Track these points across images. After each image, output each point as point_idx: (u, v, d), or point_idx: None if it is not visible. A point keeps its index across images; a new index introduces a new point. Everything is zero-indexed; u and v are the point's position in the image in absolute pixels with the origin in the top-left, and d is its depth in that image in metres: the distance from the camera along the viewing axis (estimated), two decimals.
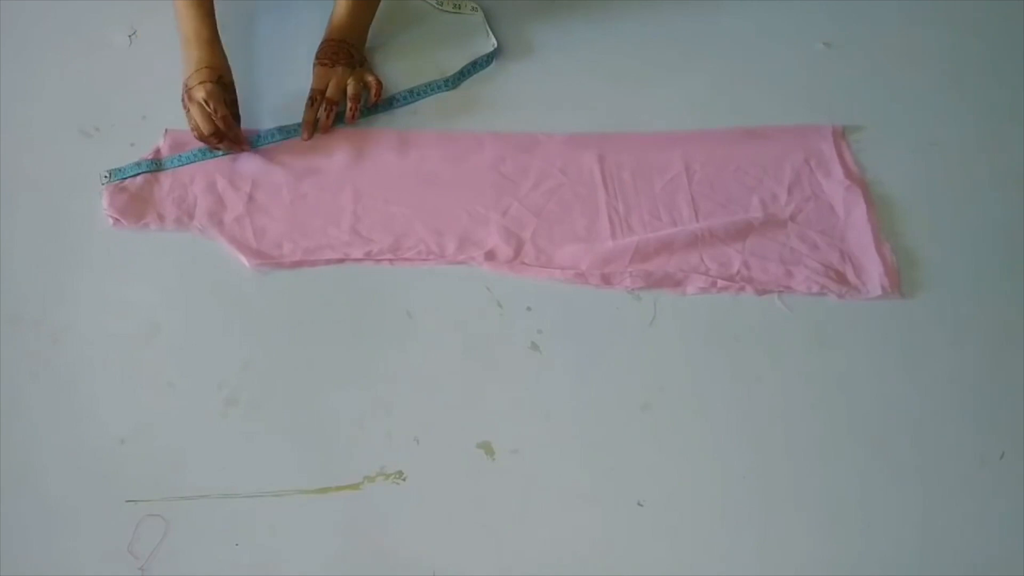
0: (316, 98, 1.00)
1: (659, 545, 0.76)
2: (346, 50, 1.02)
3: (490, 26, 1.12)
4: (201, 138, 0.94)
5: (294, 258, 0.90)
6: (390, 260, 0.91)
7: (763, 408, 0.83)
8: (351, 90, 1.00)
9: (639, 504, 0.77)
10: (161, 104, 1.01)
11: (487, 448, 0.80)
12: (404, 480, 0.78)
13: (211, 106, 0.92)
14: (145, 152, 0.97)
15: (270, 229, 0.93)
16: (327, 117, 0.99)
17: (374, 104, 1.02)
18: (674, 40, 1.13)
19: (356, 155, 0.99)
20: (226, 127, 0.93)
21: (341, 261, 0.91)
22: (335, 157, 0.99)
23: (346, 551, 0.74)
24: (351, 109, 1.00)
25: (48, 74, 1.05)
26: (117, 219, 0.92)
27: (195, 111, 0.93)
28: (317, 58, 1.02)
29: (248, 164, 0.97)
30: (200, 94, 0.92)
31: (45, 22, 1.10)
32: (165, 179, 0.95)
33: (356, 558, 0.74)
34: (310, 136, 0.99)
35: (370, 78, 1.02)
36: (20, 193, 0.94)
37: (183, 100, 0.94)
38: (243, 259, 0.90)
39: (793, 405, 0.83)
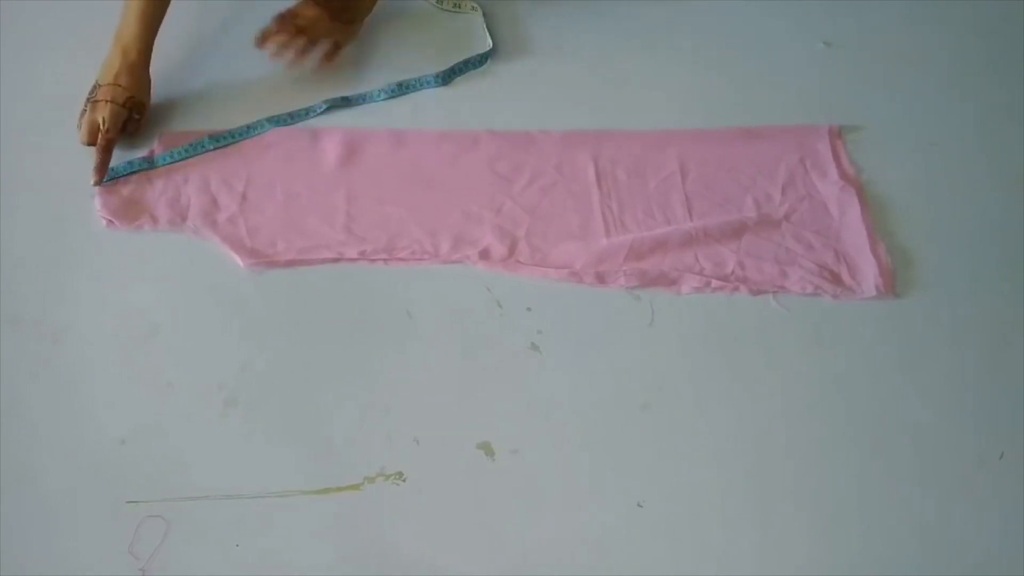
0: (288, 19, 0.99)
1: (659, 545, 0.76)
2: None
3: (488, 24, 1.12)
4: (80, 141, 0.95)
5: (288, 256, 0.90)
6: (384, 260, 0.91)
7: (762, 408, 0.83)
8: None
9: (639, 505, 0.77)
10: (161, 104, 1.02)
11: (487, 448, 0.80)
12: (404, 480, 0.78)
13: (105, 126, 0.93)
14: (141, 154, 0.97)
15: (264, 228, 0.93)
16: (301, 52, 0.99)
17: (327, 61, 1.01)
18: (674, 39, 1.13)
19: (350, 154, 0.99)
20: (101, 149, 0.93)
21: (336, 260, 0.91)
22: (329, 156, 0.99)
23: (346, 551, 0.74)
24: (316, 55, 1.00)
25: (48, 74, 1.05)
26: (111, 221, 0.92)
27: (87, 119, 0.94)
28: None
29: (242, 162, 0.97)
30: (104, 111, 0.93)
31: (45, 22, 1.10)
32: (158, 180, 0.95)
33: (356, 558, 0.74)
34: (262, 45, 0.99)
35: (338, 38, 1.02)
36: (20, 193, 0.94)
37: (87, 98, 0.95)
38: (237, 258, 0.90)
39: (792, 405, 0.83)
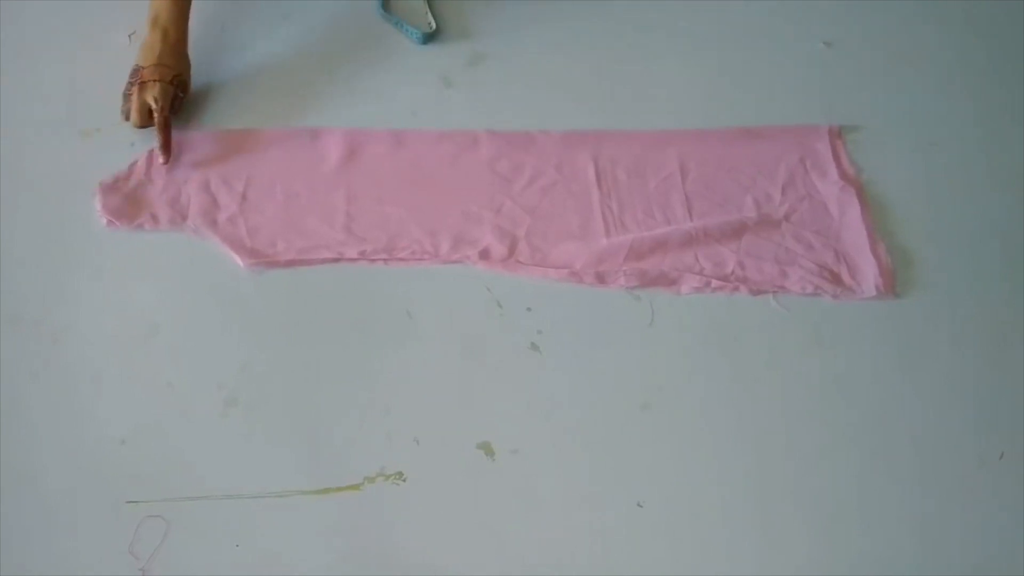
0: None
1: (659, 545, 0.76)
2: None
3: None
4: (133, 124, 0.97)
5: (288, 256, 0.90)
6: (384, 260, 0.91)
7: (762, 408, 0.83)
8: None
9: (639, 505, 0.77)
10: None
11: (487, 448, 0.80)
12: (404, 480, 0.78)
13: (159, 104, 0.95)
14: (141, 153, 0.97)
15: (264, 228, 0.93)
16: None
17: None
18: (673, 39, 1.13)
19: (350, 154, 0.99)
20: (162, 128, 0.95)
21: (336, 260, 0.91)
22: (329, 156, 0.99)
23: (346, 551, 0.74)
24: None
25: (48, 74, 1.05)
26: (111, 220, 0.92)
27: (137, 101, 0.96)
28: None
29: (242, 162, 0.97)
30: (153, 91, 0.95)
31: (45, 22, 1.10)
32: (158, 179, 0.95)
33: (356, 558, 0.74)
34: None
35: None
36: (20, 193, 0.94)
37: (130, 82, 0.97)
38: (237, 258, 0.90)
39: (792, 405, 0.83)
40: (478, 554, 0.75)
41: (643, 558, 0.75)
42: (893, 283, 0.91)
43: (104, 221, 0.92)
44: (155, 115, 0.95)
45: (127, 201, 0.93)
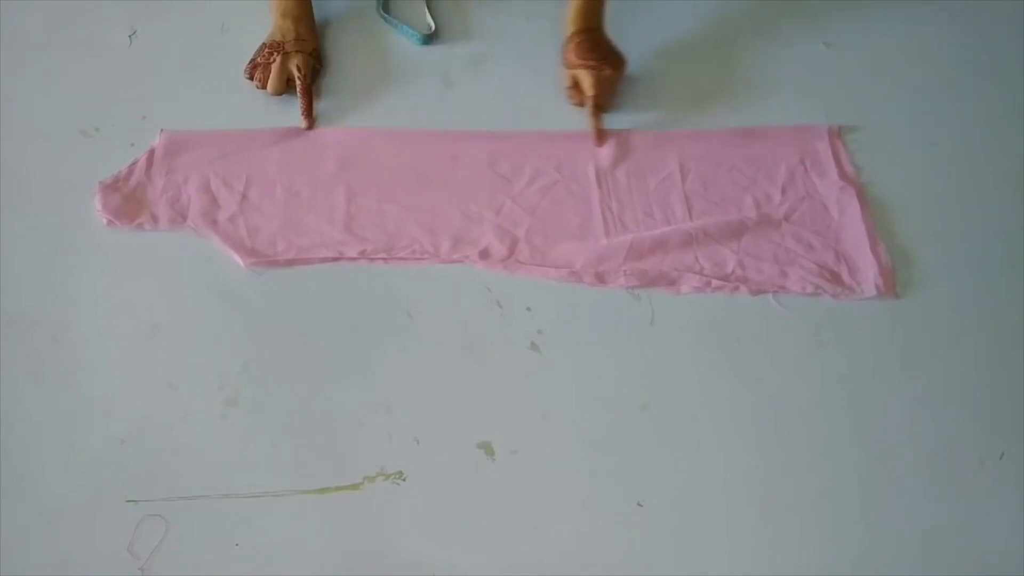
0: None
1: (659, 545, 0.76)
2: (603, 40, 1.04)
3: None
4: (271, 91, 1.02)
5: (288, 256, 0.90)
6: (384, 259, 0.91)
7: (763, 408, 0.83)
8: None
9: (639, 504, 0.77)
10: (161, 104, 1.02)
11: (487, 448, 0.80)
12: (404, 480, 0.78)
13: (301, 72, 1.01)
14: (142, 153, 0.97)
15: (264, 228, 0.93)
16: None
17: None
18: (673, 39, 1.13)
19: (350, 154, 0.99)
20: (304, 94, 1.01)
21: (336, 260, 0.91)
22: (329, 155, 0.99)
23: (346, 551, 0.74)
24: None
25: (48, 74, 1.05)
26: (111, 220, 0.92)
27: (279, 68, 1.01)
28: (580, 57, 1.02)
29: (242, 161, 0.98)
30: (297, 59, 1.02)
31: (45, 22, 1.10)
32: (159, 179, 0.95)
33: (356, 558, 0.74)
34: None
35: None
36: (20, 193, 0.95)
37: (265, 53, 1.02)
38: (237, 258, 0.90)
39: (793, 405, 0.83)
40: (478, 554, 0.75)
41: (643, 558, 0.75)
42: (893, 283, 0.91)
43: (104, 221, 0.92)
44: (297, 82, 1.01)
45: (127, 201, 0.94)
